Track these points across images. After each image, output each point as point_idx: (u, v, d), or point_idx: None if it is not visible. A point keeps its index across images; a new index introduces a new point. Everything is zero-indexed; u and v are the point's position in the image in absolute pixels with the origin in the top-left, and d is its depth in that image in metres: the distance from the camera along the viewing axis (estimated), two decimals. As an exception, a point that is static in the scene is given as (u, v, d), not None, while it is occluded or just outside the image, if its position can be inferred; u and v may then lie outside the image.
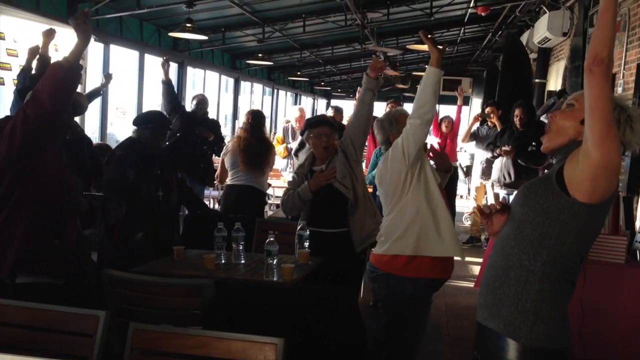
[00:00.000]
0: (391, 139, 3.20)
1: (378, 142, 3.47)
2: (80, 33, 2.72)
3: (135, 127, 4.25)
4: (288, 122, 8.68)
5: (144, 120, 4.26)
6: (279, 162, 8.56)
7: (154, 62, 9.16)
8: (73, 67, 2.71)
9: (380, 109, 7.61)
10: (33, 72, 4.69)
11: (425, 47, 8.67)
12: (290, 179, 4.19)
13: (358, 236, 3.85)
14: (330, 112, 8.14)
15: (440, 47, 2.97)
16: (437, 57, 2.93)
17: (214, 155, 6.84)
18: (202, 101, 6.74)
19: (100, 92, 6.21)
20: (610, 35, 1.76)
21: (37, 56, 4.85)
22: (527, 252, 1.95)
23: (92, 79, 6.83)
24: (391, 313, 3.13)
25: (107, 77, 6.34)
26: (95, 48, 6.96)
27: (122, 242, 3.96)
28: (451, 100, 18.78)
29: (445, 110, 17.73)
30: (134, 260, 3.56)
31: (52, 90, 2.66)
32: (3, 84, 5.46)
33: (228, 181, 5.66)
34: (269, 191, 7.42)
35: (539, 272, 1.93)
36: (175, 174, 4.50)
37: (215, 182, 6.90)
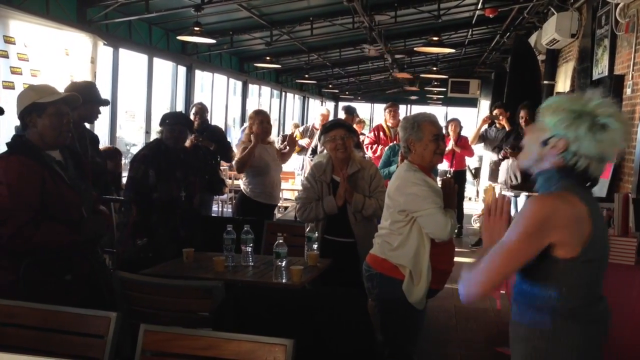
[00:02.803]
0: (408, 143, 3.10)
1: (399, 138, 3.30)
2: None
3: (159, 128, 4.40)
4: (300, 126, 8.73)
5: (163, 118, 4.41)
6: (293, 163, 8.57)
7: (162, 66, 9.23)
8: None
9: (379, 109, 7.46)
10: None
11: (432, 50, 8.68)
12: (304, 184, 4.09)
13: (363, 248, 3.80)
14: (342, 115, 7.96)
15: None
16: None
17: (221, 162, 6.76)
18: (200, 110, 6.48)
19: None
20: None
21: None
22: None
23: (101, 83, 6.85)
24: (384, 312, 3.16)
25: None
26: (104, 52, 6.99)
27: (134, 244, 4.00)
28: (459, 102, 18.86)
29: (453, 113, 17.74)
30: (155, 260, 3.65)
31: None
32: (13, 88, 5.49)
33: None
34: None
35: None
36: (200, 177, 4.55)
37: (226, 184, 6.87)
